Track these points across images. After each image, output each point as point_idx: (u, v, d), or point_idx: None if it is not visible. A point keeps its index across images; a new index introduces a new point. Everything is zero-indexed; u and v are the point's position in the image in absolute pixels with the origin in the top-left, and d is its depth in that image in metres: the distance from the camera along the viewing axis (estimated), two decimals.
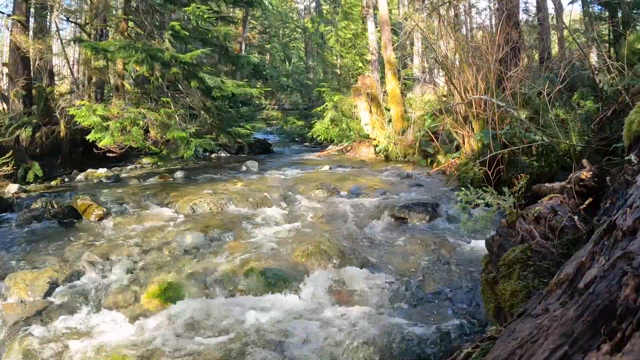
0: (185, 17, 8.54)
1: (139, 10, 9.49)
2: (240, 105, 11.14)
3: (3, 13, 11.14)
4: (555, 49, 14.33)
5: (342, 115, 12.66)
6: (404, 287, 3.55)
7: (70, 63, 11.02)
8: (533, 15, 15.22)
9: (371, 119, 10.86)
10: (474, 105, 6.74)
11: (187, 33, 8.79)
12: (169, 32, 8.65)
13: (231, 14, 15.37)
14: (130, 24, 9.85)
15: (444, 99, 10.32)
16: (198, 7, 8.19)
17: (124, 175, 9.05)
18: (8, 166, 7.19)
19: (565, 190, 3.20)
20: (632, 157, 2.43)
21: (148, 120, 8.33)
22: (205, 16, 8.23)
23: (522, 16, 14.15)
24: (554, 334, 0.95)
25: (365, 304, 3.32)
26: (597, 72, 5.51)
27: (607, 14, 10.24)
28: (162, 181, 8.23)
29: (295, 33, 26.10)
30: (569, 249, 2.46)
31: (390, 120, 11.68)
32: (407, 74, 17.22)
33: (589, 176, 2.97)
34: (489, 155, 5.37)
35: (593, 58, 8.53)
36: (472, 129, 7.05)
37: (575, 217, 2.71)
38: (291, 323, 3.06)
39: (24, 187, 7.63)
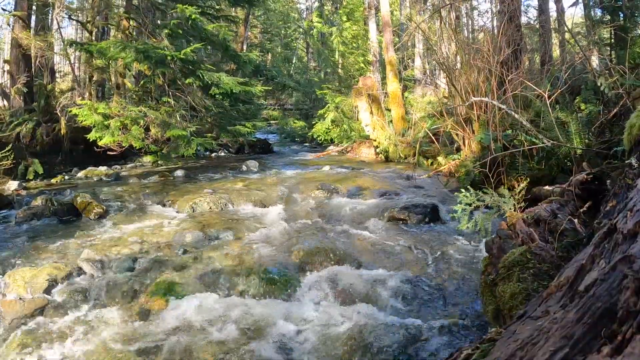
0: (185, 16, 8.54)
1: (140, 8, 9.50)
2: (241, 104, 11.13)
3: (5, 10, 11.16)
4: (556, 52, 14.34)
5: (344, 116, 12.66)
6: (403, 288, 3.55)
7: (72, 61, 11.01)
8: (535, 17, 15.24)
9: (372, 120, 10.86)
10: (474, 107, 6.74)
11: (180, 31, 8.78)
12: (166, 30, 8.65)
13: (233, 13, 15.36)
14: (132, 22, 9.85)
15: (445, 100, 10.32)
16: (186, 8, 8.19)
17: (124, 173, 9.05)
18: (7, 160, 7.19)
19: (566, 193, 3.20)
20: (633, 160, 2.43)
21: (149, 118, 8.33)
22: (194, 17, 8.22)
23: (524, 19, 14.15)
24: (555, 336, 0.95)
25: (364, 304, 3.32)
26: (598, 75, 5.52)
27: (608, 17, 10.25)
28: (162, 180, 8.23)
29: (296, 33, 26.10)
30: (569, 251, 2.46)
31: (391, 122, 11.68)
32: (409, 75, 17.23)
33: (589, 179, 2.97)
34: (489, 158, 5.38)
35: (594, 61, 8.54)
36: (473, 131, 7.06)
37: (575, 220, 2.71)
38: (290, 322, 3.06)
39: (24, 184, 7.63)
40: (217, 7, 11.97)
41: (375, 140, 10.88)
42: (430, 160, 9.29)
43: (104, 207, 5.89)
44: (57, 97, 9.68)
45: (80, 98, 9.37)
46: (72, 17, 12.21)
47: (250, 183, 7.43)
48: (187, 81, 8.74)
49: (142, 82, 9.23)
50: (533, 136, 5.24)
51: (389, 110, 12.09)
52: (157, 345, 2.83)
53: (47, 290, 3.65)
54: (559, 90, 5.67)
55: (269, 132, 18.72)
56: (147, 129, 8.45)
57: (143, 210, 6.06)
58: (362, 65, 17.42)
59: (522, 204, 3.16)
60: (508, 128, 6.27)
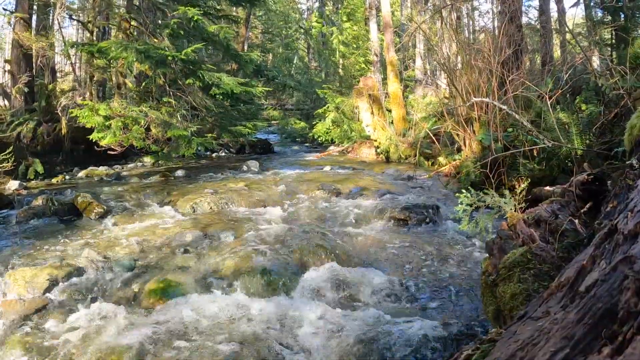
0: (188, 17, 8.56)
1: (141, 8, 9.50)
2: (242, 104, 11.14)
3: (6, 10, 11.16)
4: (557, 53, 14.33)
5: (344, 117, 12.66)
6: (403, 288, 3.55)
7: (73, 60, 11.02)
8: (535, 18, 15.23)
9: (373, 120, 10.87)
10: (475, 108, 6.74)
11: (181, 32, 8.79)
12: (167, 30, 8.66)
13: (234, 13, 15.37)
14: (133, 22, 9.85)
15: (446, 101, 10.32)
16: (189, 9, 8.21)
17: (124, 173, 9.05)
18: (8, 162, 7.19)
19: (566, 193, 3.19)
20: (634, 161, 2.42)
21: (149, 118, 8.33)
22: (196, 18, 8.24)
23: (525, 19, 14.16)
24: (555, 336, 0.95)
25: (365, 305, 3.32)
26: (599, 75, 5.51)
27: (609, 17, 10.25)
28: (162, 180, 8.23)
29: (297, 33, 26.10)
30: (570, 252, 2.46)
31: (391, 122, 11.68)
32: (409, 75, 17.23)
33: (590, 180, 2.96)
34: (490, 158, 5.38)
35: (595, 62, 8.53)
36: (474, 132, 7.06)
37: (576, 221, 2.71)
38: (290, 322, 3.06)
39: (24, 184, 7.63)
40: (218, 7, 11.97)
41: (376, 141, 10.89)
42: (431, 161, 9.29)
43: (105, 207, 5.89)
44: (58, 96, 9.68)
45: (81, 98, 9.37)
46: (73, 17, 12.21)
47: (251, 183, 7.43)
48: (187, 81, 8.75)
49: (143, 84, 9.23)
50: (534, 137, 5.24)
51: (390, 110, 12.09)
52: (158, 344, 2.83)
53: (48, 290, 3.65)
54: (560, 91, 5.66)
55: (269, 132, 18.72)
56: (147, 129, 8.45)
57: (143, 210, 6.07)
58: (363, 65, 17.42)
59: (523, 204, 3.16)
60: (509, 128, 6.27)
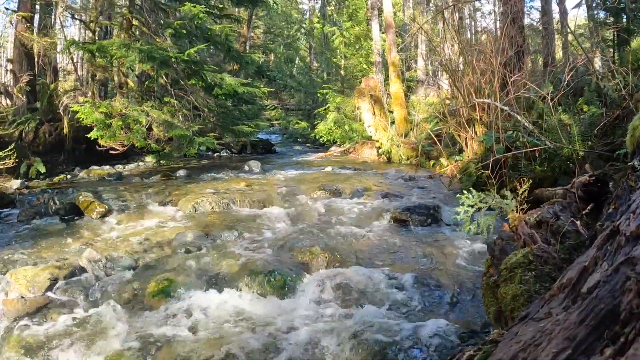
0: (190, 15, 8.56)
1: (143, 8, 9.50)
2: (244, 104, 11.15)
3: (8, 9, 11.19)
4: (559, 54, 14.32)
5: (345, 117, 12.66)
6: (405, 289, 3.55)
7: (74, 60, 11.04)
8: (537, 19, 15.22)
9: (374, 121, 10.86)
10: (477, 109, 6.74)
11: (184, 31, 8.80)
12: (170, 30, 8.66)
13: (236, 13, 15.38)
14: (135, 22, 9.86)
15: (448, 101, 10.31)
16: (194, 6, 8.22)
17: (126, 173, 9.06)
18: (10, 159, 7.19)
19: (568, 195, 3.18)
20: (636, 162, 2.42)
21: (151, 118, 8.34)
22: (201, 15, 8.25)
23: (527, 20, 14.15)
24: (557, 337, 0.95)
25: (366, 305, 3.31)
26: (601, 77, 5.51)
27: (611, 19, 10.24)
28: (164, 179, 8.23)
29: (299, 34, 26.10)
30: (571, 253, 2.45)
31: (393, 122, 11.67)
32: (411, 76, 17.22)
33: (591, 181, 2.96)
34: (491, 159, 5.37)
35: (597, 63, 8.52)
36: (475, 133, 7.05)
37: (578, 222, 2.70)
38: (291, 323, 3.06)
39: (26, 183, 7.64)
40: (221, 6, 11.99)
41: (377, 142, 10.88)
42: (432, 162, 9.28)
43: (106, 207, 5.89)
44: (60, 96, 9.69)
45: (83, 97, 9.38)
46: (75, 16, 12.22)
47: (253, 183, 7.43)
48: (190, 82, 8.76)
49: (146, 84, 9.24)
50: (535, 138, 5.23)
51: (392, 111, 12.08)
52: (158, 344, 2.83)
53: (49, 289, 3.65)
54: (562, 92, 5.66)
55: (271, 133, 18.71)
56: (149, 129, 8.46)
57: (145, 209, 6.07)
58: (364, 66, 17.41)
59: (525, 205, 3.15)
60: (510, 129, 6.26)
